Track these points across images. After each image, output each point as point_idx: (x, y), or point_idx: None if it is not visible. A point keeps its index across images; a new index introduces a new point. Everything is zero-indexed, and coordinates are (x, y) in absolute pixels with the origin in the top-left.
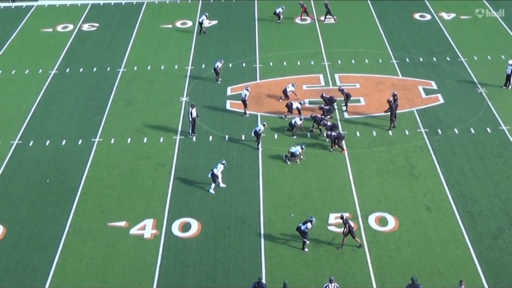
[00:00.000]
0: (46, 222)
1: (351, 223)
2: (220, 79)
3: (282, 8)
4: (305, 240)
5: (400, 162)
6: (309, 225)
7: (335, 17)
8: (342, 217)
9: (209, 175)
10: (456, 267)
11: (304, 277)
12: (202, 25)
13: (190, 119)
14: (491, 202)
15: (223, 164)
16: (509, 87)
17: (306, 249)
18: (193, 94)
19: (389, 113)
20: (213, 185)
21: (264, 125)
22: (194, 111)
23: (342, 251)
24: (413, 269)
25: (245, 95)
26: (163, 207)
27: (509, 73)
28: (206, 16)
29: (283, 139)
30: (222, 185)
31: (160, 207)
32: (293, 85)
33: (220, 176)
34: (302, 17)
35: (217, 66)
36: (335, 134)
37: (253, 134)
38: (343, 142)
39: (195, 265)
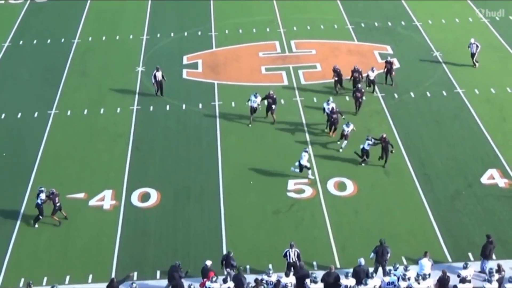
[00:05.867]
0: (2, 198)
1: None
2: None
3: None
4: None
5: (357, 126)
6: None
7: None
8: None
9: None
10: (414, 230)
11: (264, 243)
12: None
13: (154, 81)
14: (448, 164)
15: (306, 151)
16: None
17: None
18: (149, 64)
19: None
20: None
21: (256, 96)
22: (159, 74)
23: (302, 217)
24: (373, 233)
25: None
26: (121, 177)
27: (474, 51)
28: None
29: (239, 106)
30: (310, 176)
31: (119, 178)
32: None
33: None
34: None
35: None
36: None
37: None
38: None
39: (155, 235)
